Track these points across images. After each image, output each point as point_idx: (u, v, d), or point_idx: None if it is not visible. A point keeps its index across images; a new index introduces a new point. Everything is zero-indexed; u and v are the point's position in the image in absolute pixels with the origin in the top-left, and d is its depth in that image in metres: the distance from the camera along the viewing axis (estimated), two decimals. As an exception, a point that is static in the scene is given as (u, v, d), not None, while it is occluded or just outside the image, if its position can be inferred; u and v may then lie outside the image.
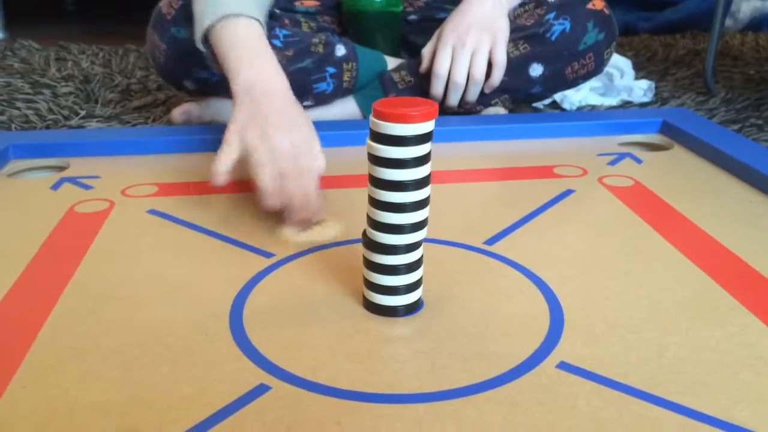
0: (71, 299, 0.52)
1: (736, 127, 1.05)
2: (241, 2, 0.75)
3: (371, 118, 0.46)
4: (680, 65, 1.49)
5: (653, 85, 1.22)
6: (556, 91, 1.02)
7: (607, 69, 1.21)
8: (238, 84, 0.67)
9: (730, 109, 1.14)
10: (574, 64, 0.96)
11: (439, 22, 0.99)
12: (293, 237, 0.62)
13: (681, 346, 0.46)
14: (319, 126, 0.90)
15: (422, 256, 0.50)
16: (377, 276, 0.50)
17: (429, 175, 0.48)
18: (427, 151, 0.47)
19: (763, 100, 1.19)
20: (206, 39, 0.74)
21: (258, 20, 0.74)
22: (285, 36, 0.95)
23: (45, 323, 0.49)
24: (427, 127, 0.46)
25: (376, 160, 0.47)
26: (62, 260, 0.58)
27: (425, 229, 0.49)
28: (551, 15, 0.95)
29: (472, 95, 0.96)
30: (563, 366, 0.44)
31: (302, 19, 1.04)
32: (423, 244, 0.50)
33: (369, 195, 0.48)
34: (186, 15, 0.89)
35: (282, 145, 0.61)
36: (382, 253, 0.49)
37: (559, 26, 0.94)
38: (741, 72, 1.42)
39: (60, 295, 0.53)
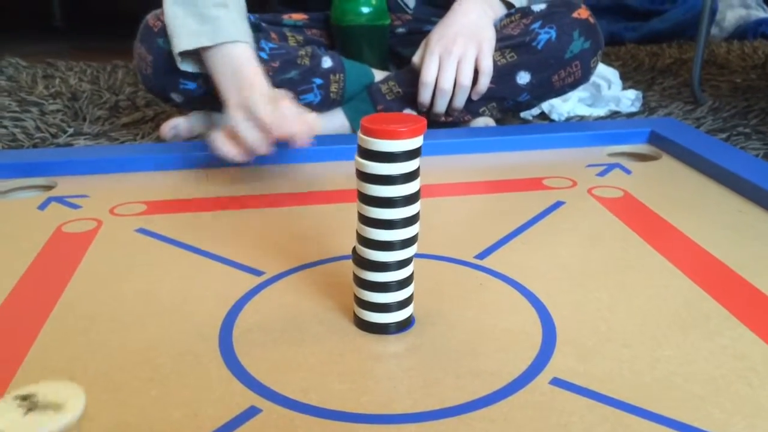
0: (59, 321, 0.52)
1: (723, 135, 1.06)
2: (237, 26, 0.84)
3: (359, 134, 0.46)
4: (667, 74, 1.50)
5: (641, 95, 1.23)
6: (543, 99, 1.03)
7: (595, 79, 1.22)
8: (231, 106, 0.79)
9: (717, 118, 1.15)
10: (560, 72, 0.97)
11: (426, 34, 0.99)
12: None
13: (673, 359, 0.46)
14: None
15: (413, 272, 0.50)
16: (368, 293, 0.49)
17: (418, 191, 0.48)
18: (416, 166, 0.47)
19: (750, 109, 1.20)
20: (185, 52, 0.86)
21: (248, 43, 0.84)
22: (271, 49, 0.95)
23: (32, 346, 0.48)
24: (415, 143, 0.46)
25: (365, 177, 0.46)
26: (49, 281, 0.57)
27: (416, 245, 0.49)
28: (537, 24, 0.96)
29: (459, 102, 0.96)
30: (556, 382, 0.44)
31: (289, 33, 1.04)
32: (413, 259, 0.50)
33: (358, 212, 0.48)
34: None
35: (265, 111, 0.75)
36: (373, 270, 0.48)
37: (545, 35, 0.95)
38: (727, 80, 1.44)
39: (47, 317, 0.52)
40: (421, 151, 0.47)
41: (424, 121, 0.46)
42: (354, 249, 0.50)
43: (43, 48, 2.00)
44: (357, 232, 0.49)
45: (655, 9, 2.16)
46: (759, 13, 2.04)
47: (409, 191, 0.47)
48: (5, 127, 1.12)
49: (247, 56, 0.83)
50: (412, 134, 0.45)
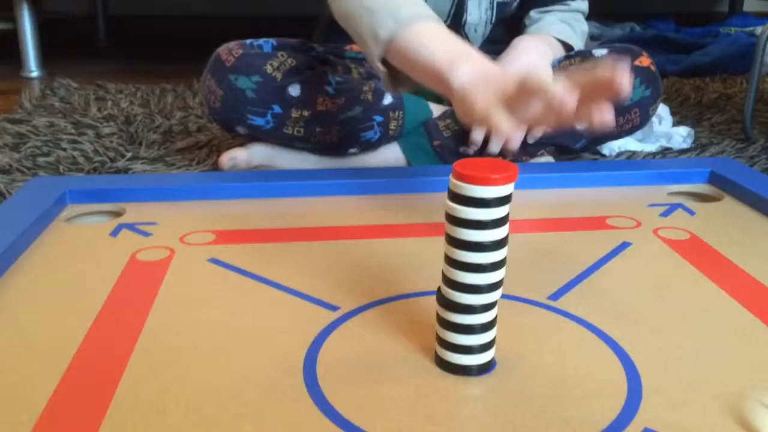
0: (145, 352, 0.52)
1: (779, 175, 1.05)
2: (416, 4, 0.77)
3: (451, 179, 0.47)
4: (714, 110, 1.50)
5: (693, 132, 1.22)
6: (600, 143, 1.03)
7: (646, 115, 1.21)
8: (458, 79, 0.69)
9: (771, 157, 1.14)
10: (619, 118, 0.96)
11: None
12: None
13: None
14: (367, 174, 0.91)
15: (497, 315, 0.50)
16: (452, 335, 0.50)
17: (507, 236, 0.48)
18: (506, 212, 0.47)
19: (803, 148, 1.19)
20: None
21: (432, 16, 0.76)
22: (337, 83, 0.96)
23: (123, 375, 0.49)
24: (508, 189, 0.47)
25: (456, 221, 0.47)
26: (131, 310, 0.58)
27: (501, 288, 0.49)
28: None
29: (514, 144, 0.96)
30: (648, 432, 0.44)
31: (352, 65, 1.05)
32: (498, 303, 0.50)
33: (446, 254, 0.49)
34: (246, 65, 0.91)
35: None
36: (458, 312, 0.49)
37: None
38: (775, 117, 1.43)
39: (134, 346, 0.53)
40: (511, 197, 0.47)
41: (516, 168, 0.47)
42: (439, 289, 0.50)
43: (89, 68, 2.05)
44: (443, 273, 0.49)
45: (696, 42, 2.16)
46: (802, 49, 2.03)
47: (499, 236, 0.47)
48: (64, 149, 1.15)
49: (445, 30, 0.76)
50: (506, 181, 0.46)
